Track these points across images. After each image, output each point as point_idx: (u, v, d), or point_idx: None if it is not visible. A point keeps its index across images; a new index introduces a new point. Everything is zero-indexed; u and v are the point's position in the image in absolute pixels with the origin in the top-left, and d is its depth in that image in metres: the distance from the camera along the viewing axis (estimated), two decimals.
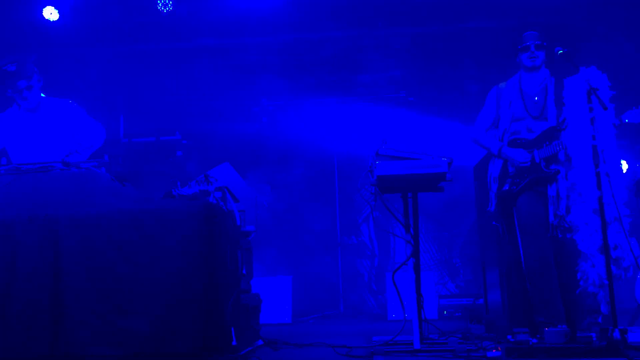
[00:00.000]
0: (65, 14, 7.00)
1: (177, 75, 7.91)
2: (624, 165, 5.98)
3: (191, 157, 8.14)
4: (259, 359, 3.65)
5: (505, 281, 4.37)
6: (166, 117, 8.15)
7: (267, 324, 5.58)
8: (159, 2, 7.02)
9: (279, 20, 7.42)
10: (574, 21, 6.66)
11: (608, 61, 4.18)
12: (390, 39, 7.94)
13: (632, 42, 6.79)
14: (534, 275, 4.02)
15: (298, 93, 8.15)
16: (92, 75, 7.61)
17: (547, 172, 4.05)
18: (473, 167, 5.31)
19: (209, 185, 4.07)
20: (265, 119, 8.17)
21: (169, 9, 7.08)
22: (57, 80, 5.99)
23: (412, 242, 4.03)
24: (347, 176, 7.91)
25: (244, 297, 4.15)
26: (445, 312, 6.80)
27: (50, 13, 6.95)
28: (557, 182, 4.04)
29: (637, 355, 3.19)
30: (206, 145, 8.15)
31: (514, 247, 4.16)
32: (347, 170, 7.92)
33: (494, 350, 3.46)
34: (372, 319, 7.16)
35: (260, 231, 5.20)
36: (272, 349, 4.22)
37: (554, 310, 3.93)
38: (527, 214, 4.07)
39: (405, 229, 4.06)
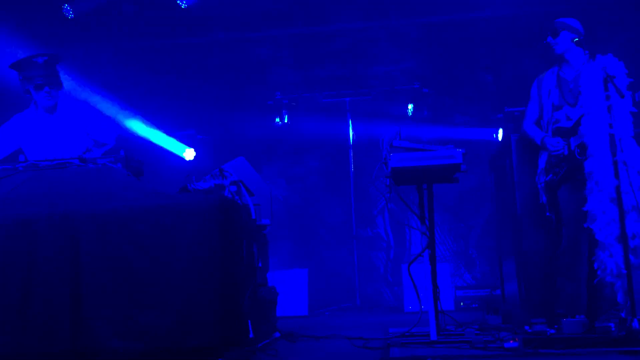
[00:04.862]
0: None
1: (192, 70, 7.95)
2: None
3: (206, 152, 8.19)
4: (276, 351, 3.66)
5: (522, 272, 4.34)
6: (181, 112, 8.19)
7: (284, 316, 5.60)
8: None
9: (292, 13, 7.42)
10: (591, 8, 6.56)
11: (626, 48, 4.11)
12: (403, 30, 7.90)
13: None
14: (566, 266, 3.98)
15: (312, 86, 8.14)
16: (108, 70, 7.67)
17: (579, 160, 3.94)
18: (489, 158, 5.27)
19: (224, 179, 4.09)
20: (280, 113, 8.17)
21: (185, 4, 7.09)
22: (74, 75, 6.03)
23: (427, 234, 4.02)
24: (362, 168, 7.90)
25: (261, 291, 4.17)
26: (461, 304, 6.78)
27: None
28: None
29: None
30: (221, 139, 8.18)
31: (555, 236, 4.11)
32: (362, 162, 7.91)
33: (511, 341, 3.44)
34: (389, 311, 7.16)
35: (275, 225, 5.22)
36: (289, 341, 4.23)
37: (578, 304, 3.90)
38: (565, 204, 4.02)
39: (420, 220, 4.05)
